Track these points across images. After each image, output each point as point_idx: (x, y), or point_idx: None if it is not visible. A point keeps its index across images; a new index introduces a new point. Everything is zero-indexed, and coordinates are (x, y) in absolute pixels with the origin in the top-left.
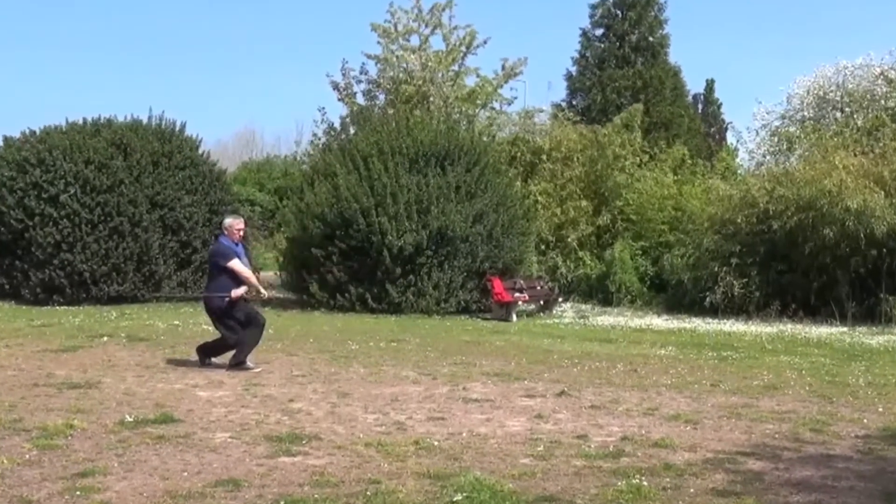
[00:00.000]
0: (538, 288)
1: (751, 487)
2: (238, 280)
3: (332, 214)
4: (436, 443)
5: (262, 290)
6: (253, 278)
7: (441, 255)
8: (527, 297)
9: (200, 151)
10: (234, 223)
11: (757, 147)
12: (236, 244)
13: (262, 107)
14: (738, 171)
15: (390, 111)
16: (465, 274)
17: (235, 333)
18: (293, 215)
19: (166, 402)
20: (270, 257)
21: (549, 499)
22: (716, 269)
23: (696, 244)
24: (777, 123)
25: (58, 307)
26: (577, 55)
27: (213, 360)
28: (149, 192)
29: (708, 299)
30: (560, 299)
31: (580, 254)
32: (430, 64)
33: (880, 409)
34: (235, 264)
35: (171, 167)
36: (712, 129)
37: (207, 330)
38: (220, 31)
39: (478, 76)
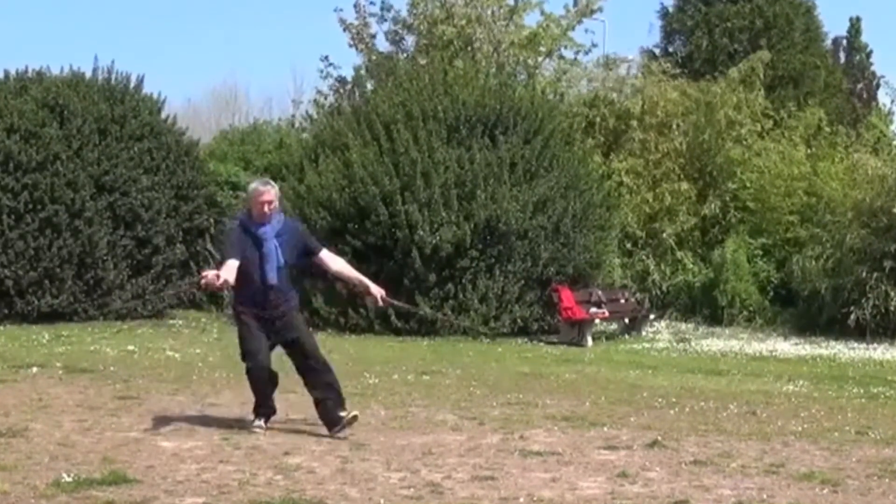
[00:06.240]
0: (622, 301)
1: None
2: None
3: (343, 201)
4: None
5: None
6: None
7: (490, 257)
8: (607, 314)
9: (164, 116)
10: (259, 192)
11: None
12: (262, 224)
13: (246, 55)
14: (894, 143)
15: (422, 61)
16: (522, 282)
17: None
18: (290, 202)
19: (117, 455)
20: None
21: None
22: (863, 275)
23: (837, 242)
24: None
25: None
26: None
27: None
28: (93, 170)
29: (853, 316)
30: (652, 316)
31: (679, 255)
32: None
33: None
34: (229, 266)
35: (123, 137)
36: (858, 86)
37: (173, 357)
38: None
39: (541, 14)
